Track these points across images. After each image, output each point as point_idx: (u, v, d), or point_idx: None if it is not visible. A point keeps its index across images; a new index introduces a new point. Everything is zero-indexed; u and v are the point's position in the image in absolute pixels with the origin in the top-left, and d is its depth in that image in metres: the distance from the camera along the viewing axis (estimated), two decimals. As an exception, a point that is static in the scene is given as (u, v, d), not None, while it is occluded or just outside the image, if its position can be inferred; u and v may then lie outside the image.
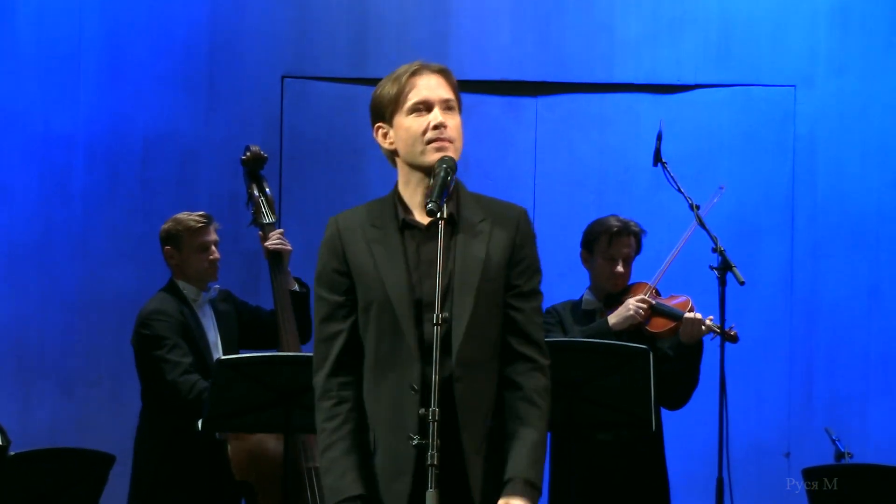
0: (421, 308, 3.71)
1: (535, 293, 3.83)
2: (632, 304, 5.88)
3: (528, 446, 3.69)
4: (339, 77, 7.93)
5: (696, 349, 5.87)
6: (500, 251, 3.76)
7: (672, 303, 5.98)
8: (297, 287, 6.16)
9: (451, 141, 3.76)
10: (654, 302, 5.92)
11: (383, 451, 3.72)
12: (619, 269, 5.99)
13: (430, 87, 3.79)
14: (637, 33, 7.91)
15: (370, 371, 3.77)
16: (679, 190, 6.19)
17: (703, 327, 5.84)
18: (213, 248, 6.11)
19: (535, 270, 3.83)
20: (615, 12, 7.92)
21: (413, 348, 3.69)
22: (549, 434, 3.87)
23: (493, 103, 7.77)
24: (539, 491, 3.70)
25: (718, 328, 5.90)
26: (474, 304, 3.71)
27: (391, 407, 3.71)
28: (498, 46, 7.94)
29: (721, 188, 6.38)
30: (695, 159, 7.61)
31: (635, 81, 7.92)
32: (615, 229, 6.00)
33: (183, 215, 6.15)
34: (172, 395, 5.85)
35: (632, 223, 6.06)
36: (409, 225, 3.79)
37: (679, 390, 5.93)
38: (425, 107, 3.78)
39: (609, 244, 5.99)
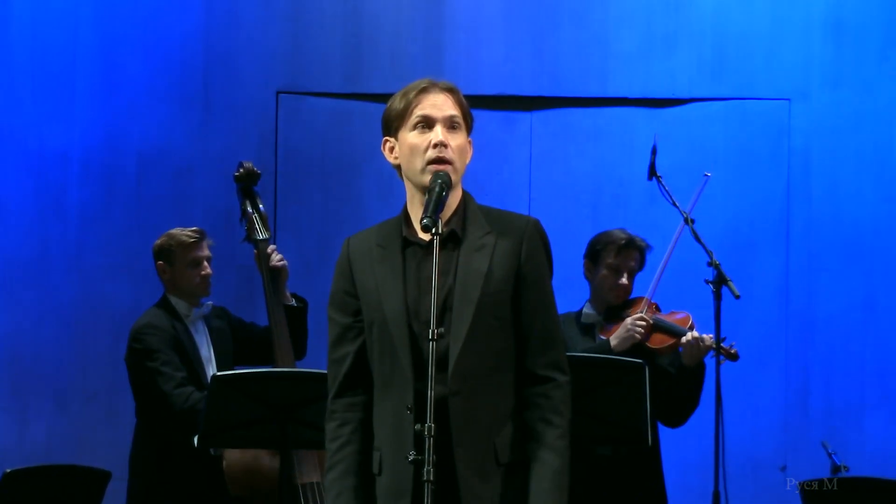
0: (418, 326, 3.69)
1: (546, 309, 3.78)
2: (629, 322, 5.87)
3: (549, 474, 3.65)
4: (334, 92, 7.93)
5: (698, 371, 5.86)
6: (503, 264, 3.72)
7: (672, 319, 5.96)
8: (293, 302, 6.16)
9: (450, 161, 3.73)
10: (652, 319, 5.91)
11: (387, 471, 3.71)
12: (624, 280, 5.98)
13: (435, 104, 3.78)
14: (631, 47, 7.92)
15: (377, 391, 3.76)
16: (674, 204, 6.18)
17: (703, 346, 5.82)
18: (206, 263, 6.10)
19: (543, 284, 3.79)
20: (609, 26, 7.92)
21: (407, 367, 3.67)
22: None
23: (488, 118, 7.77)
24: None
25: (720, 347, 5.89)
26: (473, 318, 3.66)
27: (392, 427, 3.70)
28: (492, 61, 7.94)
29: (707, 175, 6.36)
30: (689, 173, 7.61)
31: (629, 95, 7.92)
32: (623, 241, 5.98)
33: (176, 231, 6.15)
34: (167, 406, 5.83)
35: (638, 238, 6.04)
36: (410, 242, 3.77)
37: (679, 409, 5.91)
38: (428, 124, 3.76)
39: (616, 255, 5.98)
